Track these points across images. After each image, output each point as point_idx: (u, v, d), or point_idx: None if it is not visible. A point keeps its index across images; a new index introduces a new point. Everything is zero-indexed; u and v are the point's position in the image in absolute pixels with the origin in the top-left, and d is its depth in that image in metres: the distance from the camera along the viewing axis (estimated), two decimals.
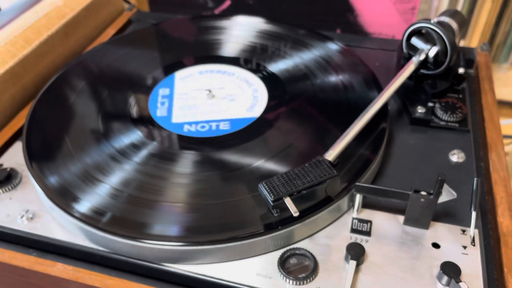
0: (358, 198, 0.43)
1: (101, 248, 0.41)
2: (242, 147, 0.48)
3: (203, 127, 0.51)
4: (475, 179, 0.42)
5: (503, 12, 1.04)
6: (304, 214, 0.40)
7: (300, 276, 0.38)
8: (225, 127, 0.50)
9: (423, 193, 0.40)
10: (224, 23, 0.68)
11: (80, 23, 0.69)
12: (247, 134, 0.50)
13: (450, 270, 0.38)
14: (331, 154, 0.43)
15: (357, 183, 0.42)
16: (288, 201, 0.38)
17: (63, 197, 0.43)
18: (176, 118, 0.52)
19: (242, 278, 0.39)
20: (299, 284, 0.38)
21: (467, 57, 0.64)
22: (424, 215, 0.42)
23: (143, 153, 0.48)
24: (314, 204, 0.41)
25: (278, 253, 0.40)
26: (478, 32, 0.98)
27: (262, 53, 0.62)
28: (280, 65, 0.60)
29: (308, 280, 0.38)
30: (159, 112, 0.53)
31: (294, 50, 0.62)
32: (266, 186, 0.39)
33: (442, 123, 0.54)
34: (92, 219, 0.41)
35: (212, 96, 0.54)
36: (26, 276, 0.42)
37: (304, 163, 0.41)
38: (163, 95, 0.55)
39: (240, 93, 0.55)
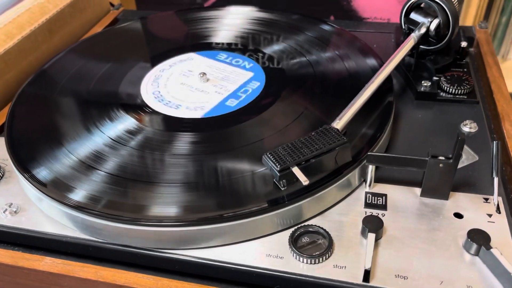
0: (371, 170, 0.40)
1: (94, 238, 0.38)
2: (240, 126, 0.45)
3: (195, 108, 0.48)
4: (494, 142, 0.39)
5: (492, 4, 1.04)
6: (314, 187, 0.37)
7: (315, 254, 0.35)
8: (223, 107, 0.47)
9: (442, 158, 0.37)
10: (214, 13, 0.66)
11: (65, 21, 0.66)
12: (245, 113, 0.47)
13: (479, 237, 0.34)
14: (339, 123, 0.40)
15: (369, 153, 0.39)
16: (296, 170, 0.35)
17: (50, 187, 0.39)
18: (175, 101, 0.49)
19: (251, 260, 0.35)
20: (314, 263, 0.35)
21: (467, 35, 0.63)
22: (443, 183, 0.38)
23: (135, 136, 0.44)
24: (324, 176, 0.38)
25: (289, 232, 0.37)
26: (469, 24, 0.97)
27: (254, 39, 0.59)
28: (274, 47, 0.57)
29: (324, 258, 0.35)
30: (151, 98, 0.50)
31: (286, 33, 0.59)
32: (271, 157, 0.36)
33: (449, 96, 0.52)
34: (85, 205, 0.37)
35: (207, 79, 0.51)
36: (11, 275, 0.38)
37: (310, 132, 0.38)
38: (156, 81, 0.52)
39: (235, 75, 0.52)
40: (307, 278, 0.34)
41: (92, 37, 0.63)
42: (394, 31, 0.66)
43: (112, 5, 0.79)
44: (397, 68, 0.56)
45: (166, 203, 0.37)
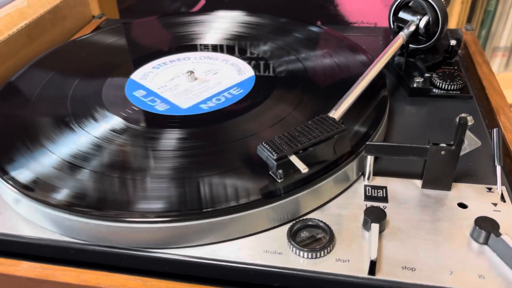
0: (369, 161, 0.38)
1: (75, 240, 0.35)
2: (233, 121, 0.43)
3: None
4: (494, 129, 0.38)
5: (472, 17, 1.05)
6: (311, 179, 0.35)
7: (316, 247, 0.32)
8: (210, 105, 0.45)
9: (443, 145, 0.36)
10: (199, 18, 0.65)
11: (45, 27, 0.64)
12: (240, 108, 0.45)
13: (487, 225, 0.33)
14: (335, 114, 0.38)
15: (367, 143, 0.37)
16: (294, 159, 0.33)
17: (28, 187, 0.36)
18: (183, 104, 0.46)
19: (247, 257, 0.33)
20: (315, 257, 0.32)
21: (454, 37, 0.63)
22: (446, 172, 0.37)
23: (124, 132, 0.42)
24: (321, 168, 0.36)
25: (286, 228, 0.34)
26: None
27: (241, 40, 0.58)
28: (262, 48, 0.56)
29: (326, 252, 0.32)
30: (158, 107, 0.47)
31: (273, 34, 0.58)
32: (267, 146, 0.34)
33: (442, 92, 0.51)
34: (68, 203, 0.34)
35: (194, 78, 0.50)
36: None
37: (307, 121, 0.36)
38: (139, 82, 0.50)
39: (224, 71, 0.51)
40: (309, 274, 0.32)
41: (76, 40, 0.61)
42: (381, 35, 0.65)
43: (93, 16, 0.77)
44: (388, 67, 0.56)
45: (152, 198, 0.34)
